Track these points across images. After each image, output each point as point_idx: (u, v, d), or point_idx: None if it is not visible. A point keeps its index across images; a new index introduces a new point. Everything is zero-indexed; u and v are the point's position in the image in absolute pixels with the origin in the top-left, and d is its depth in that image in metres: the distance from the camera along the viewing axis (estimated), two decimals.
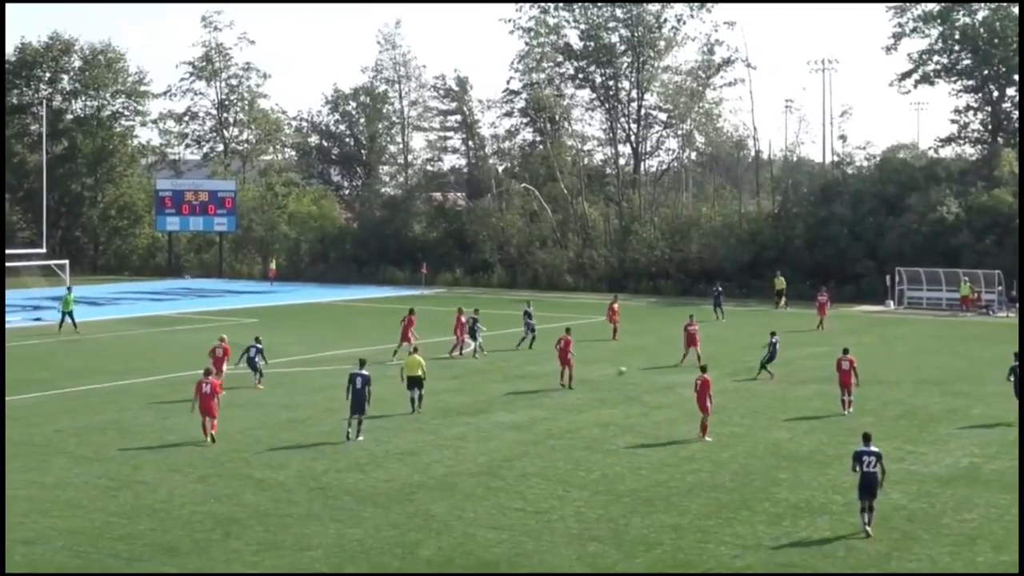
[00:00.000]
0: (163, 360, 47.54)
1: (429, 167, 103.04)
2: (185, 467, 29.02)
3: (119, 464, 29.28)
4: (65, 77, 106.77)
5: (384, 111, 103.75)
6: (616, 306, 57.55)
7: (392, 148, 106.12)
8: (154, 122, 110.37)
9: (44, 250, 67.14)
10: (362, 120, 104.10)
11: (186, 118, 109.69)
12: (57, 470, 28.62)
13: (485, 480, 27.96)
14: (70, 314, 56.74)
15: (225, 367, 40.72)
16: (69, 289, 58.47)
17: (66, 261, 66.73)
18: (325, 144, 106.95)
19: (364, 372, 32.86)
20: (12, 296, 74.22)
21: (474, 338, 50.40)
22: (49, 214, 74.20)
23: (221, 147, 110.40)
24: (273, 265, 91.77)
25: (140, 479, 27.79)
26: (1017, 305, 66.48)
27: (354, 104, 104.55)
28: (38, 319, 61.21)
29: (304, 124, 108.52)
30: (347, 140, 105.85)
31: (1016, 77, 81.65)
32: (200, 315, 65.92)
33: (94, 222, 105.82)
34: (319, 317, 66.40)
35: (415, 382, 36.59)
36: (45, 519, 24.36)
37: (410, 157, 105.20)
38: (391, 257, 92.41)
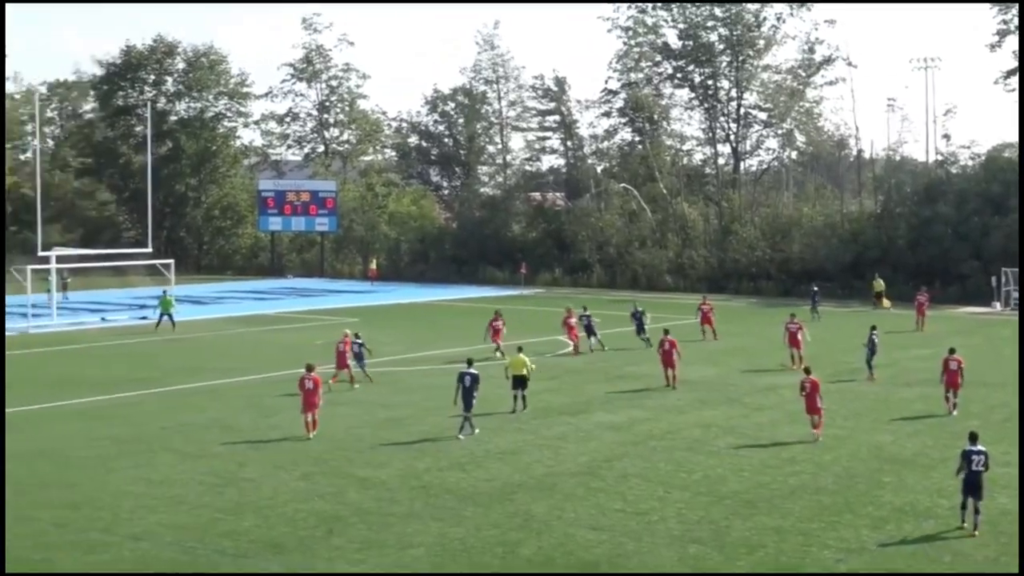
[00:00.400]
0: (266, 359, 48.07)
1: (528, 167, 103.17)
2: (288, 465, 29.32)
3: (224, 461, 29.65)
4: (169, 79, 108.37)
5: (483, 112, 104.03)
6: (705, 307, 56.82)
7: (491, 148, 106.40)
8: (256, 123, 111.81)
9: (150, 249, 68.10)
10: (461, 120, 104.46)
11: (287, 119, 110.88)
12: (164, 467, 29.06)
13: (585, 480, 27.93)
14: (168, 314, 57.59)
15: (350, 361, 41.92)
16: (165, 291, 59.27)
17: (171, 260, 67.66)
18: (424, 144, 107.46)
19: (472, 371, 33.49)
20: (120, 295, 75.54)
21: (593, 334, 51.22)
22: (154, 214, 75.34)
23: (322, 148, 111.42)
24: (373, 265, 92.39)
25: (245, 476, 28.13)
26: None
27: (453, 105, 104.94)
28: (144, 318, 62.18)
29: (403, 125, 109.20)
30: (446, 140, 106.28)
31: None
32: (302, 314, 66.60)
33: (198, 222, 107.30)
34: (419, 317, 66.75)
35: (520, 381, 36.82)
36: (152, 515, 24.74)
37: (509, 157, 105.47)
38: (490, 257, 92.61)
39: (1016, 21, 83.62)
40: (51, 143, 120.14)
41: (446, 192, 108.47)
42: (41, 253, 63.35)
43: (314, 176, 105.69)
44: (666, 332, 43.23)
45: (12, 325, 58.90)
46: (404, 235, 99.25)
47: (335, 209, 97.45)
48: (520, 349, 38.62)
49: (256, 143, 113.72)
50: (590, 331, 51.56)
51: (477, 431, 33.03)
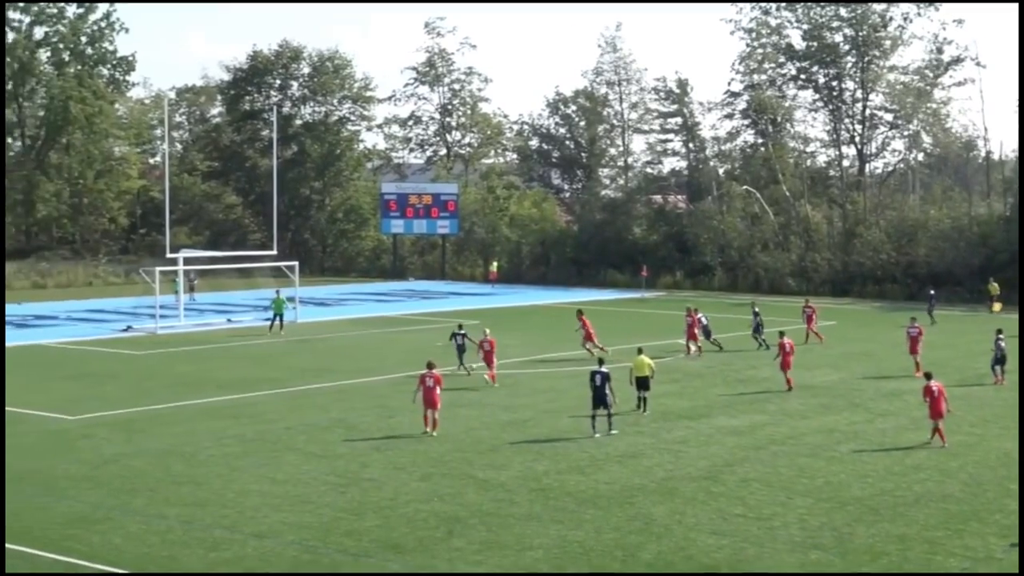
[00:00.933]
0: (388, 360, 48.48)
1: (649, 170, 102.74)
2: (409, 466, 29.54)
3: (346, 461, 29.96)
4: (294, 84, 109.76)
5: (604, 114, 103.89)
6: (809, 310, 56.11)
7: (612, 151, 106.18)
8: (379, 127, 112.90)
9: (275, 252, 69.02)
10: (582, 123, 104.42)
11: (410, 123, 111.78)
12: (288, 466, 29.45)
13: (706, 485, 27.77)
14: (280, 315, 58.11)
15: (495, 359, 42.92)
16: (278, 291, 59.96)
17: (295, 263, 68.58)
18: (546, 147, 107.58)
19: (603, 370, 33.88)
20: (245, 296, 76.69)
21: (708, 335, 51.83)
22: (279, 217, 76.35)
23: (444, 151, 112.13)
24: (494, 267, 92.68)
25: (366, 476, 28.39)
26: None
27: (574, 107, 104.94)
28: (269, 319, 62.93)
29: (525, 127, 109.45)
30: (567, 143, 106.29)
31: None
32: (423, 316, 67.07)
33: (322, 225, 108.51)
34: (540, 319, 66.86)
35: (643, 382, 36.91)
36: (276, 514, 25.08)
37: (630, 160, 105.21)
38: (611, 260, 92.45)
39: None
40: (180, 147, 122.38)
41: (567, 195, 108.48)
42: (169, 255, 64.65)
43: (436, 179, 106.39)
44: (782, 335, 43.12)
45: (141, 326, 60.19)
46: (525, 238, 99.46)
47: (456, 212, 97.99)
48: (640, 351, 38.52)
49: (379, 146, 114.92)
50: (707, 333, 52.17)
51: (615, 432, 33.32)
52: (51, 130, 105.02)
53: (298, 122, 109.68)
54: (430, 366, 34.16)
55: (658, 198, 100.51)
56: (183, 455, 30.61)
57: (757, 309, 55.18)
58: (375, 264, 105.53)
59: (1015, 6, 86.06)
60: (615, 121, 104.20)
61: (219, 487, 27.24)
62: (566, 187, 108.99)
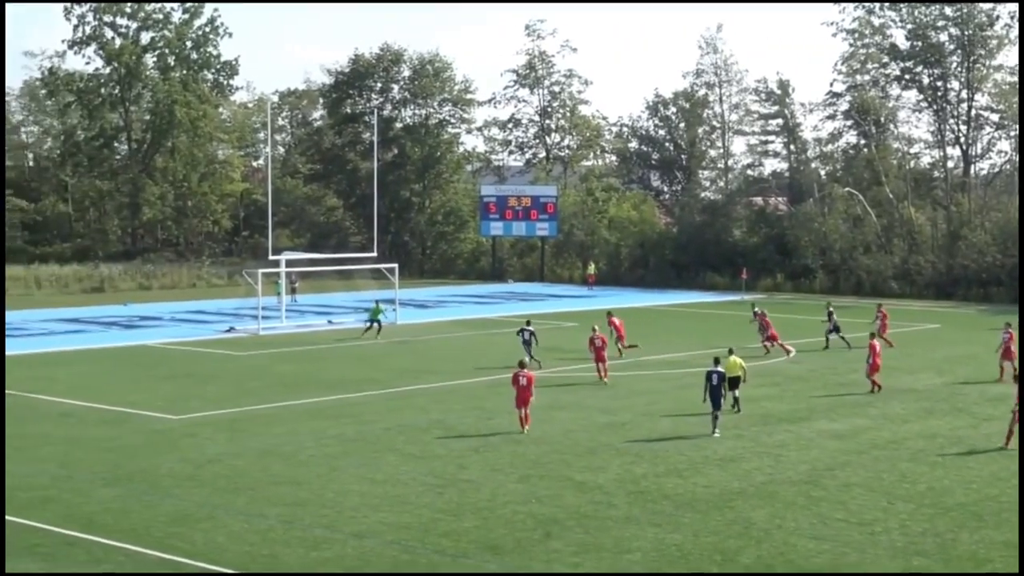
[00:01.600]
0: (487, 362, 48.60)
1: (749, 171, 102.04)
2: (507, 467, 29.61)
3: (444, 462, 30.10)
4: (395, 87, 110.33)
5: (704, 115, 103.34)
6: (881, 314, 55.38)
7: (712, 152, 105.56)
8: (479, 129, 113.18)
9: (375, 254, 69.53)
10: (682, 125, 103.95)
11: (510, 125, 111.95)
12: (387, 467, 29.65)
13: (806, 489, 27.52)
14: (377, 321, 58.00)
15: (606, 354, 43.56)
16: (376, 302, 60.14)
17: (395, 265, 68.95)
18: (645, 149, 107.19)
19: (719, 369, 34.40)
20: (346, 298, 77.29)
21: (837, 331, 53.17)
22: (379, 219, 76.89)
23: (543, 153, 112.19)
24: (591, 269, 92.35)
25: (465, 478, 28.50)
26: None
27: (674, 109, 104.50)
28: (367, 321, 63.36)
29: (624, 129, 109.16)
30: (667, 145, 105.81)
31: None
32: (522, 318, 66.91)
33: (421, 227, 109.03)
34: (638, 322, 66.56)
35: (735, 382, 36.84)
36: (375, 514, 25.26)
37: (730, 161, 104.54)
38: (710, 262, 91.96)
39: None
40: (282, 150, 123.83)
41: (666, 197, 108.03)
42: (271, 257, 65.37)
43: (535, 181, 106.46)
44: (872, 336, 42.97)
45: (243, 327, 60.93)
46: (624, 240, 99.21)
47: (555, 214, 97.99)
48: (731, 351, 38.41)
49: (479, 149, 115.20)
50: (835, 328, 53.27)
51: (717, 435, 33.46)
52: (157, 134, 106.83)
53: (398, 125, 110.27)
54: (521, 365, 34.97)
55: (758, 200, 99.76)
56: (284, 455, 30.94)
57: (831, 310, 55.02)
58: (474, 266, 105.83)
59: None
60: (715, 123, 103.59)
61: (319, 487, 27.50)
62: (665, 189, 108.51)
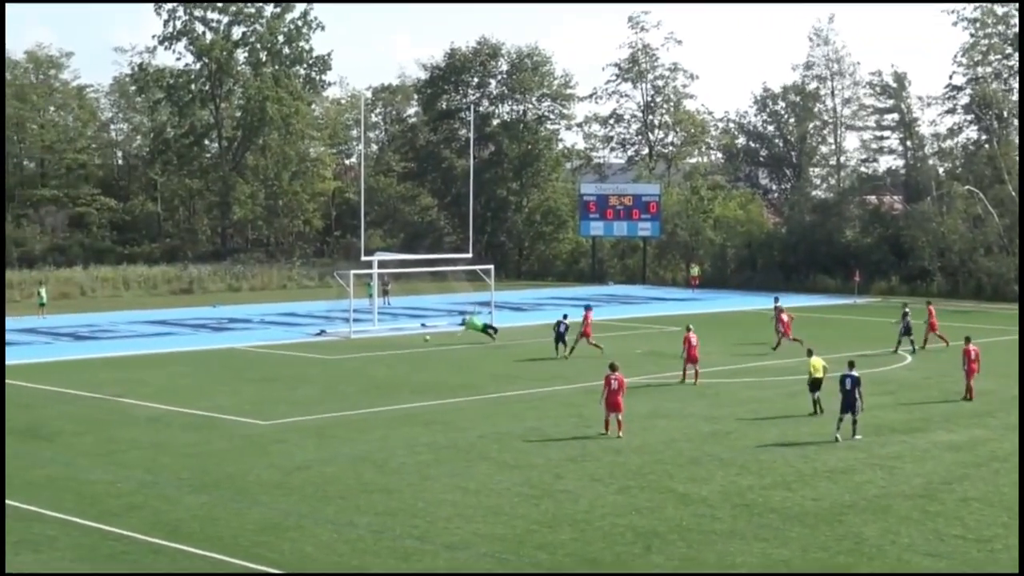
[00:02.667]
0: (585, 367, 48.46)
1: (863, 169, 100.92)
2: (606, 477, 29.48)
3: (540, 472, 30.04)
4: (492, 82, 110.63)
5: (815, 110, 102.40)
6: (928, 313, 55.88)
7: (823, 149, 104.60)
8: (579, 125, 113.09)
9: (470, 255, 69.70)
10: (792, 120, 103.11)
11: (611, 121, 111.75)
12: (480, 476, 29.66)
13: (921, 503, 27.10)
14: (480, 330, 57.64)
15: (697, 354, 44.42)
16: (467, 316, 59.90)
17: (491, 266, 69.06)
18: (753, 145, 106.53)
19: (853, 373, 34.56)
20: (439, 300, 77.50)
21: (908, 333, 53.13)
22: (475, 219, 77.14)
23: (646, 150, 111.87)
24: (696, 271, 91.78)
25: (561, 488, 28.42)
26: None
27: (783, 103, 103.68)
28: (462, 323, 63.57)
29: (731, 125, 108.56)
30: (776, 141, 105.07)
31: None
32: (623, 322, 66.92)
33: (519, 227, 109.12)
34: (744, 326, 66.16)
35: (818, 384, 37.62)
36: (468, 524, 25.27)
37: (842, 158, 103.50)
38: (821, 263, 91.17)
39: None
40: (375, 147, 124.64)
41: (775, 195, 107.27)
42: (364, 258, 65.73)
43: (637, 179, 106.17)
44: (968, 340, 42.52)
45: (334, 330, 61.37)
46: (730, 240, 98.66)
47: (658, 213, 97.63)
48: (811, 352, 38.72)
49: (579, 146, 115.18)
50: (907, 330, 53.21)
51: (859, 437, 33.77)
52: (248, 131, 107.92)
53: (495, 121, 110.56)
54: (613, 368, 35.24)
55: (872, 199, 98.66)
56: (375, 462, 31.07)
57: (907, 311, 54.71)
58: (573, 268, 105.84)
59: None
60: (827, 117, 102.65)
61: (410, 496, 27.57)
62: (774, 187, 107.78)
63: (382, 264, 70.12)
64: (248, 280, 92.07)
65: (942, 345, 54.17)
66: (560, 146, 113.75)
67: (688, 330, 45.38)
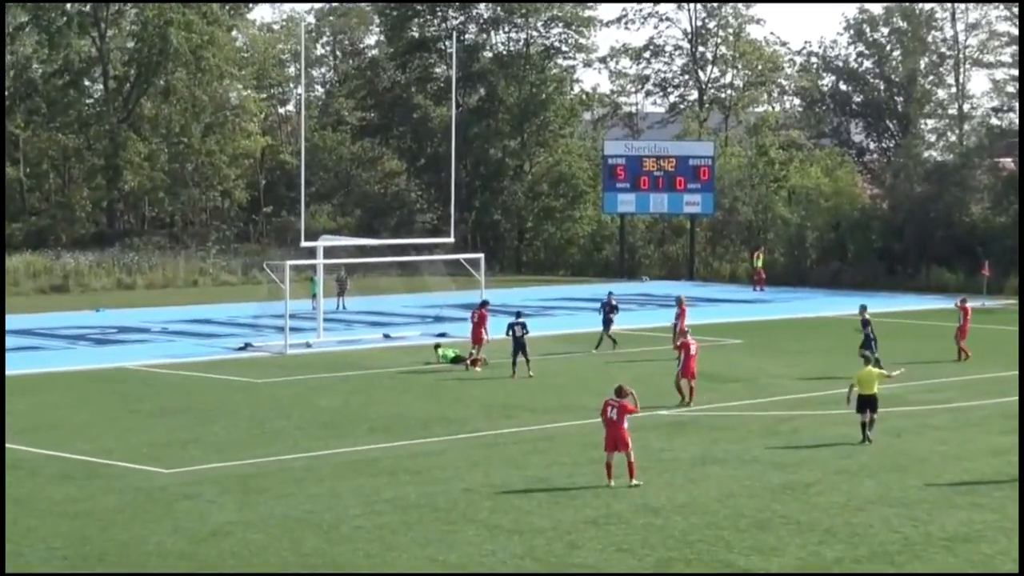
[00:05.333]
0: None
1: (995, 120, 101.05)
2: (639, 547, 29.48)
3: (549, 540, 30.03)
4: (482, 3, 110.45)
5: (929, 40, 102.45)
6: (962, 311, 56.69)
7: (940, 93, 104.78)
8: (602, 61, 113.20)
9: (452, 239, 69.38)
10: (896, 53, 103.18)
11: (646, 55, 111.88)
12: (465, 545, 29.64)
13: None
14: (459, 359, 57.40)
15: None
16: (437, 345, 59.64)
17: (481, 255, 68.85)
18: (843, 88, 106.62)
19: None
20: (409, 302, 77.40)
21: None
22: (459, 190, 77.08)
23: (695, 95, 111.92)
24: (759, 263, 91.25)
25: (576, 561, 28.42)
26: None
27: (886, 31, 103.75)
28: (442, 335, 63.54)
29: (813, 61, 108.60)
30: (874, 83, 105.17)
31: None
32: (663, 332, 66.49)
33: (519, 201, 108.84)
34: (830, 338, 66.06)
35: (869, 402, 39.19)
36: None
37: (967, 106, 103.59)
38: (937, 251, 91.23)
39: None
40: (321, 91, 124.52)
41: (873, 157, 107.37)
42: (306, 243, 65.42)
43: (683, 136, 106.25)
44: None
45: (264, 343, 61.31)
46: (811, 219, 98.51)
47: (711, 182, 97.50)
48: (868, 361, 38.93)
49: (602, 89, 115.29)
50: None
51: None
52: (144, 68, 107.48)
53: (487, 55, 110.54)
54: (619, 393, 35.64)
55: (1008, 161, 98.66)
56: (319, 526, 31.06)
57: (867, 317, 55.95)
58: (594, 258, 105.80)
59: None
60: (945, 50, 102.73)
61: (368, 571, 27.58)
62: (872, 146, 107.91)
63: (332, 252, 70.00)
64: (145, 274, 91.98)
65: None
66: (576, 89, 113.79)
67: (681, 311, 45.89)
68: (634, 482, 34.48)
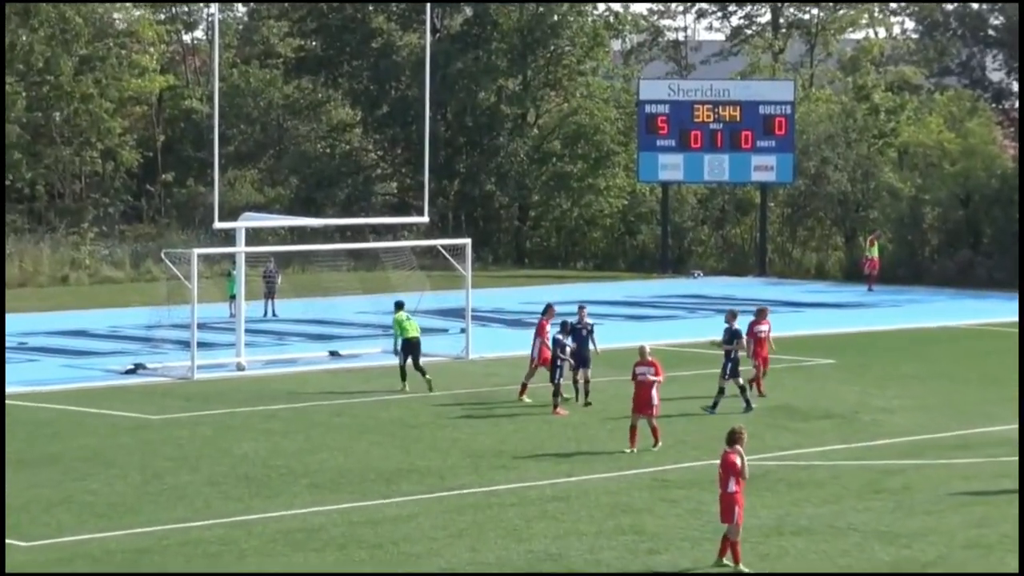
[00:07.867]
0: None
1: None
2: None
3: None
4: None
5: None
6: None
7: None
8: None
9: (426, 219, 69.44)
10: None
11: None
12: None
13: None
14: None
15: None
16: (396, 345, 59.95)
17: (467, 241, 68.80)
18: (975, 7, 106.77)
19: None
20: (366, 304, 77.46)
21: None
22: (435, 149, 77.01)
23: (766, 16, 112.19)
24: (874, 251, 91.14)
25: None
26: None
27: None
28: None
29: None
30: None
31: None
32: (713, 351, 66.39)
33: (520, 165, 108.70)
34: (956, 358, 66.13)
35: None
36: None
37: None
38: None
39: None
40: (242, 11, 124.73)
41: (1014, 104, 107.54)
42: (219, 224, 65.38)
43: (749, 74, 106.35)
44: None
45: (160, 362, 61.28)
46: (930, 191, 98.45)
47: (790, 138, 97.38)
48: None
49: (637, 7, 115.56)
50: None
51: None
52: None
53: None
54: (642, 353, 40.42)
55: None
56: None
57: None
58: (625, 243, 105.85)
59: None
60: None
61: None
62: (1013, 88, 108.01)
63: (256, 238, 70.00)
64: None
65: None
66: (602, 7, 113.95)
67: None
68: (657, 447, 39.99)
